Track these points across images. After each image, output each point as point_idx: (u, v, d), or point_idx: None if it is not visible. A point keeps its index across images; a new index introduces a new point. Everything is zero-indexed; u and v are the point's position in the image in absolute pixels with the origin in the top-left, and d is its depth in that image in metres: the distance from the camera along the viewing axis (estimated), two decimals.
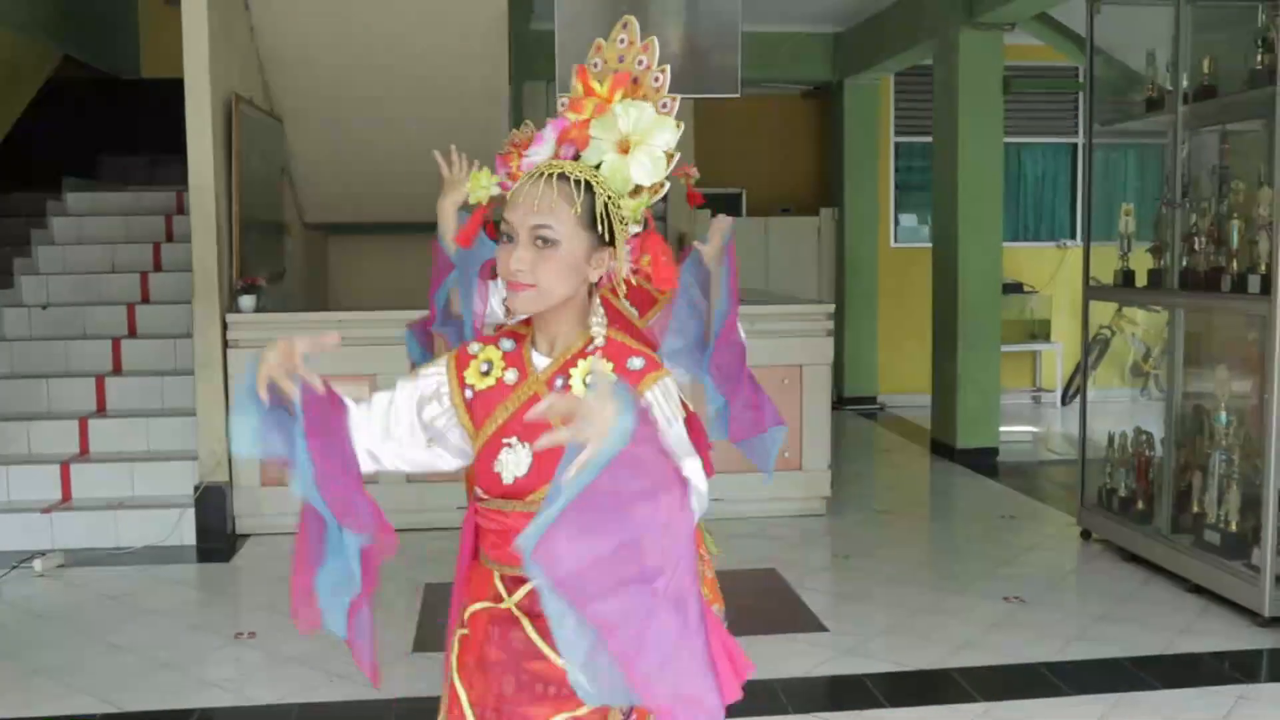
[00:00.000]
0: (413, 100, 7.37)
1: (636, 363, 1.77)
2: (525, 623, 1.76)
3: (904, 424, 9.63)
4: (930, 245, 8.61)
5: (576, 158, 1.71)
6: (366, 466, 1.81)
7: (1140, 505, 5.56)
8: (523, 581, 1.74)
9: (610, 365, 1.75)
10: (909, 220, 10.87)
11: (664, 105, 1.74)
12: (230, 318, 6.13)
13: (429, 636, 4.51)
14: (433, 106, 7.39)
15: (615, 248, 1.72)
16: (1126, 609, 4.85)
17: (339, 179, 8.00)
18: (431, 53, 7.16)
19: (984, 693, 3.96)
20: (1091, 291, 6.00)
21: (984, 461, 7.90)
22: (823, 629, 4.65)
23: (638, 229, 1.78)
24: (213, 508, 6.05)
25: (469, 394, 1.79)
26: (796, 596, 5.07)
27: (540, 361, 1.79)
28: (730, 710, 3.97)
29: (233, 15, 6.65)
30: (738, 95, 6.72)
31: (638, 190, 1.73)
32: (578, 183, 1.68)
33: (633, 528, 1.43)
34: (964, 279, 7.95)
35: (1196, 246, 5.19)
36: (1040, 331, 10.61)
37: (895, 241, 10.82)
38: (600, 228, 1.69)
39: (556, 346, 1.79)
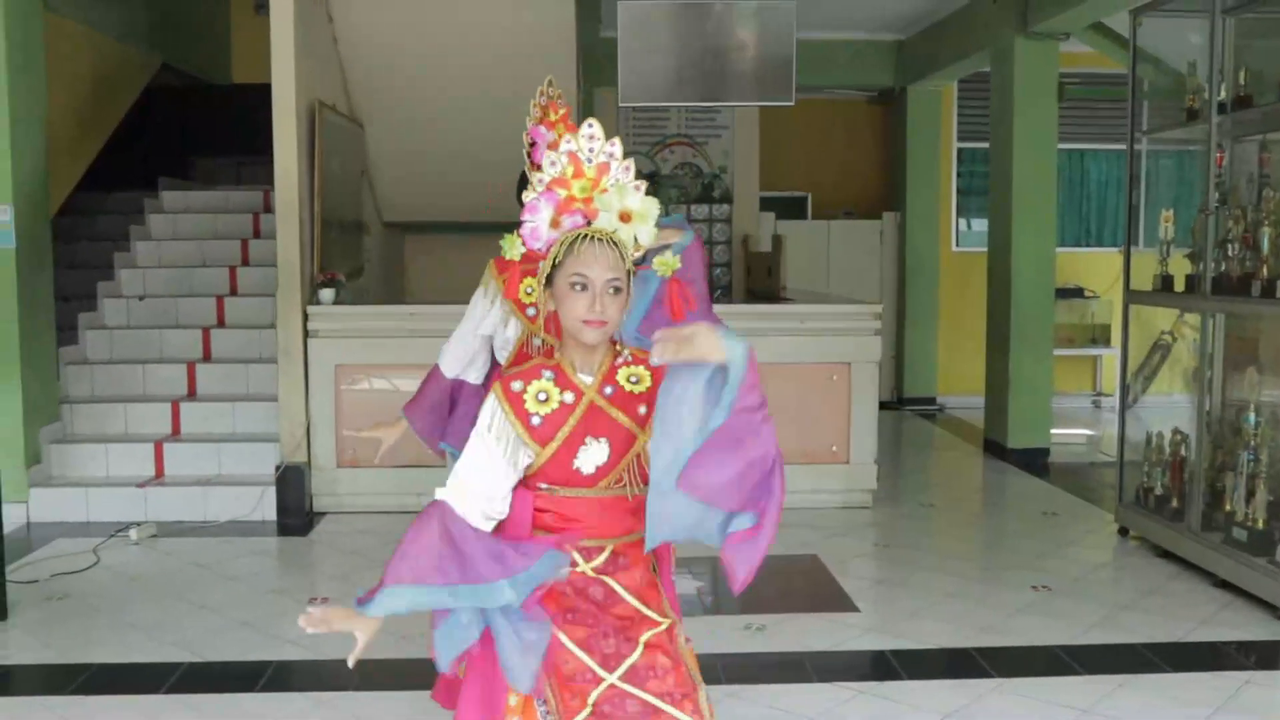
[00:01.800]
0: (485, 106, 7.72)
1: (656, 361, 2.23)
2: (608, 581, 2.27)
3: (961, 424, 9.80)
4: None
5: (588, 223, 2.20)
6: (488, 525, 2.27)
7: (1174, 503, 5.73)
8: (597, 551, 2.27)
9: (642, 367, 2.27)
10: (980, 225, 11.02)
11: (638, 187, 2.21)
12: (311, 309, 6.55)
13: None
14: (504, 112, 7.68)
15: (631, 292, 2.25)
16: (1151, 600, 5.04)
17: (415, 181, 8.40)
18: (503, 61, 7.52)
19: (999, 670, 4.20)
20: (1132, 296, 6.19)
21: (1034, 461, 8.07)
22: (854, 609, 4.92)
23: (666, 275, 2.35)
24: (292, 486, 6.47)
25: (536, 420, 2.24)
26: (834, 580, 5.33)
27: (586, 379, 2.26)
28: (760, 678, 4.26)
29: (317, 25, 7.08)
30: (792, 104, 6.98)
31: (636, 247, 2.25)
32: (614, 243, 2.18)
33: (758, 446, 2.02)
34: (1018, 282, 8.13)
35: (1231, 252, 5.35)
36: (1100, 336, 10.69)
37: (957, 245, 10.99)
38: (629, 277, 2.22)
39: (595, 366, 2.27)
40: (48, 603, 5.00)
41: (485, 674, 2.29)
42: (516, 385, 2.27)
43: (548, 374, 2.28)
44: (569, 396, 2.25)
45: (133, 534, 5.96)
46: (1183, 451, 5.80)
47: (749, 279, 9.83)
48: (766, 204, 10.39)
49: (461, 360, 3.65)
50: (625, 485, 2.27)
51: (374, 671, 4.21)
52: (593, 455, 2.23)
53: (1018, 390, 8.22)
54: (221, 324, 7.57)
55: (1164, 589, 5.21)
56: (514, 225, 3.69)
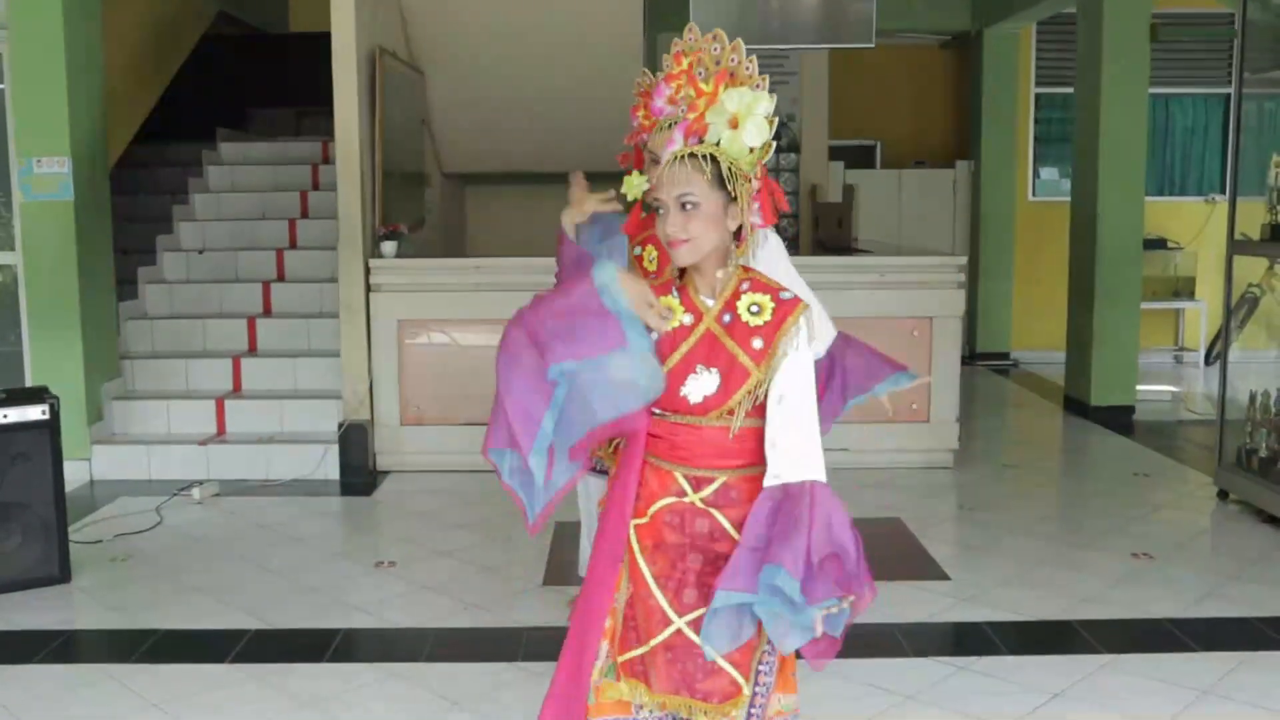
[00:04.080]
0: (549, 54, 7.49)
1: (787, 294, 2.17)
2: (715, 513, 2.16)
3: (1037, 380, 9.47)
4: (1069, 199, 8.42)
5: (701, 142, 2.12)
6: None
7: None
8: (708, 481, 2.17)
9: (767, 296, 2.15)
10: (1050, 174, 10.62)
11: (757, 86, 2.11)
12: (373, 263, 6.36)
13: (559, 571, 4.68)
14: (568, 59, 7.51)
15: (741, 202, 2.12)
16: (1260, 570, 4.75)
17: (477, 130, 8.18)
18: (567, 6, 7.26)
19: (1106, 645, 3.95)
20: (1237, 246, 5.82)
21: (1119, 419, 7.73)
22: (944, 577, 4.68)
23: (757, 184, 2.15)
24: (355, 444, 6.32)
25: (654, 336, 2.15)
26: (920, 545, 5.09)
27: (708, 301, 2.18)
28: (850, 651, 4.02)
29: None
30: (873, 45, 6.66)
31: (752, 151, 2.13)
32: (704, 157, 2.09)
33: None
34: (1103, 234, 7.77)
35: None
36: (1184, 289, 10.26)
37: (1033, 195, 10.59)
38: (729, 187, 2.10)
39: (718, 290, 2.18)
40: (111, 564, 4.89)
41: (583, 612, 2.23)
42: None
43: (675, 291, 2.22)
44: (688, 318, 2.19)
45: (195, 493, 5.85)
46: None
47: (817, 230, 9.52)
48: (834, 153, 10.06)
49: None
50: (737, 418, 2.15)
51: (446, 640, 4.06)
52: (702, 385, 2.15)
53: (1101, 346, 7.88)
54: (282, 278, 7.42)
55: (1272, 557, 4.91)
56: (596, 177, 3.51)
